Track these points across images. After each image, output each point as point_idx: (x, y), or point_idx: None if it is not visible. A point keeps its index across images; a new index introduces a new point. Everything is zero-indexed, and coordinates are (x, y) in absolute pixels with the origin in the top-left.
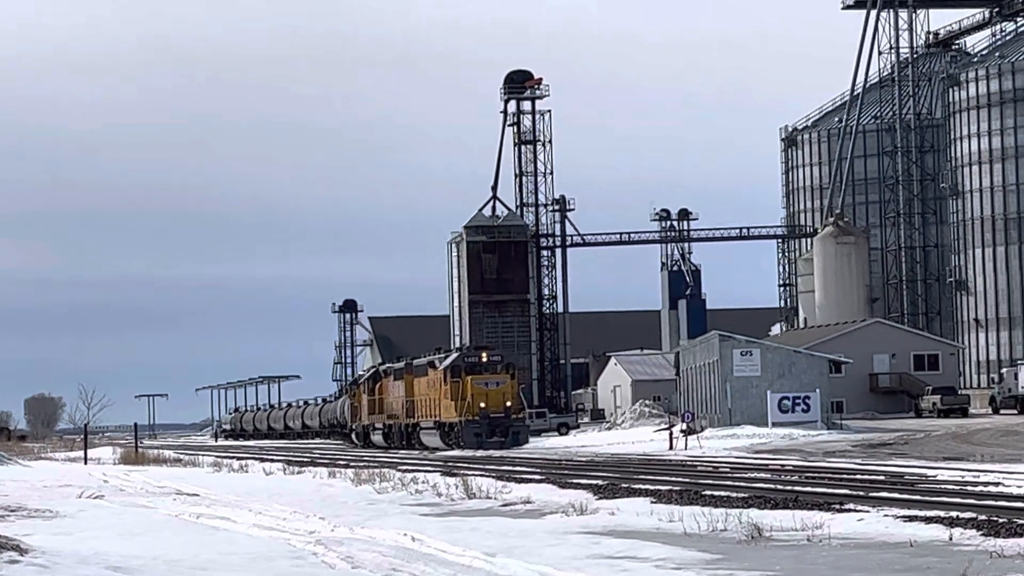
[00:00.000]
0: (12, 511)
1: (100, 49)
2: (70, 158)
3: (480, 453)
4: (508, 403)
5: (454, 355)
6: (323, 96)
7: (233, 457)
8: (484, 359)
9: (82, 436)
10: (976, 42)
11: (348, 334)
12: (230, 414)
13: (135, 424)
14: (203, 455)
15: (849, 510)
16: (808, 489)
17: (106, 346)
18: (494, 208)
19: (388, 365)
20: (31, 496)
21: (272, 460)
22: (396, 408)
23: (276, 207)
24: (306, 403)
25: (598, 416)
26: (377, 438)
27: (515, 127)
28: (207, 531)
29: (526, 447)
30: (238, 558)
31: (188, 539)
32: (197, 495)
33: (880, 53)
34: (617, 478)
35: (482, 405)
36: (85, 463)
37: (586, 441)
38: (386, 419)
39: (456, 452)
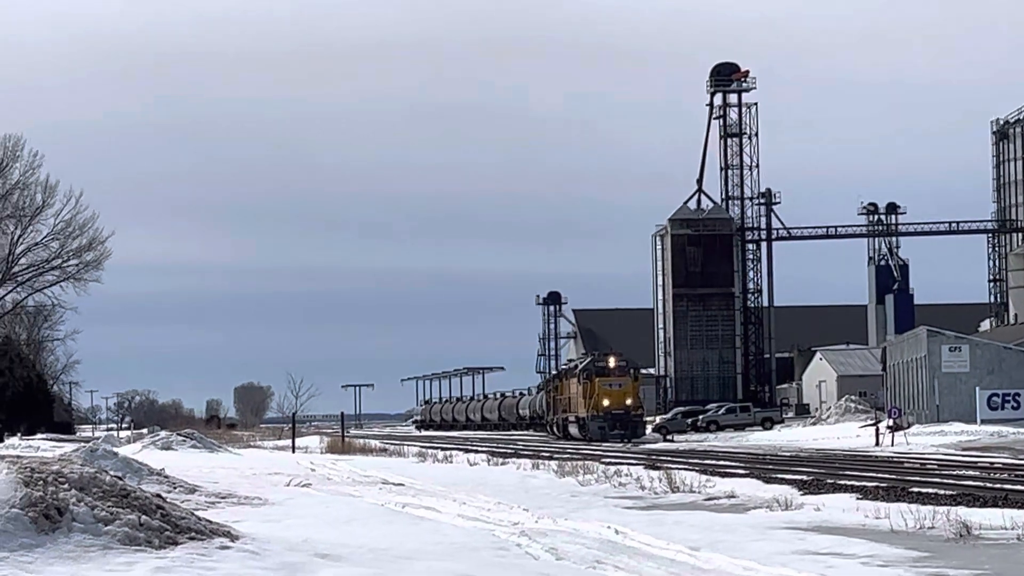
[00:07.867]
0: (223, 498)
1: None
2: (290, 151)
3: (683, 447)
4: (628, 401)
5: (587, 360)
6: (530, 88)
7: (438, 447)
8: (611, 364)
9: (290, 425)
10: None
11: (552, 326)
12: (420, 405)
13: (342, 413)
14: (408, 445)
15: None
16: (1018, 487)
17: (314, 336)
18: (699, 201)
19: (563, 367)
20: (241, 484)
21: (476, 451)
22: (562, 404)
23: (483, 200)
24: (486, 397)
25: (802, 411)
26: (554, 430)
27: (721, 120)
28: (412, 520)
29: (731, 441)
30: (443, 547)
31: (394, 528)
32: (402, 484)
33: None
34: (822, 474)
35: (606, 403)
36: (293, 452)
37: (790, 436)
38: (558, 414)
39: (651, 446)
